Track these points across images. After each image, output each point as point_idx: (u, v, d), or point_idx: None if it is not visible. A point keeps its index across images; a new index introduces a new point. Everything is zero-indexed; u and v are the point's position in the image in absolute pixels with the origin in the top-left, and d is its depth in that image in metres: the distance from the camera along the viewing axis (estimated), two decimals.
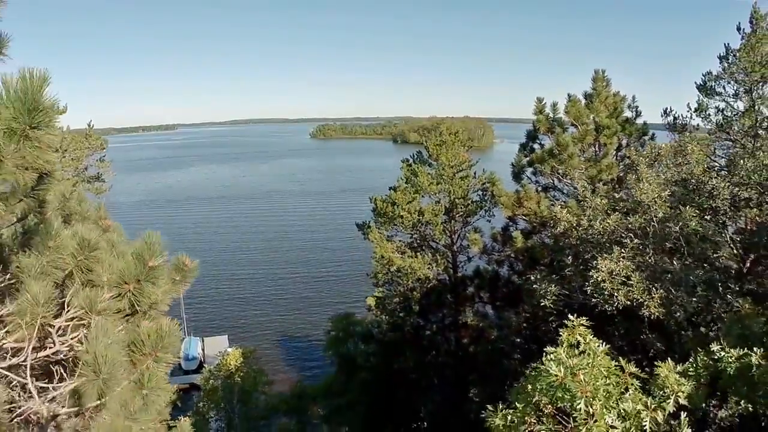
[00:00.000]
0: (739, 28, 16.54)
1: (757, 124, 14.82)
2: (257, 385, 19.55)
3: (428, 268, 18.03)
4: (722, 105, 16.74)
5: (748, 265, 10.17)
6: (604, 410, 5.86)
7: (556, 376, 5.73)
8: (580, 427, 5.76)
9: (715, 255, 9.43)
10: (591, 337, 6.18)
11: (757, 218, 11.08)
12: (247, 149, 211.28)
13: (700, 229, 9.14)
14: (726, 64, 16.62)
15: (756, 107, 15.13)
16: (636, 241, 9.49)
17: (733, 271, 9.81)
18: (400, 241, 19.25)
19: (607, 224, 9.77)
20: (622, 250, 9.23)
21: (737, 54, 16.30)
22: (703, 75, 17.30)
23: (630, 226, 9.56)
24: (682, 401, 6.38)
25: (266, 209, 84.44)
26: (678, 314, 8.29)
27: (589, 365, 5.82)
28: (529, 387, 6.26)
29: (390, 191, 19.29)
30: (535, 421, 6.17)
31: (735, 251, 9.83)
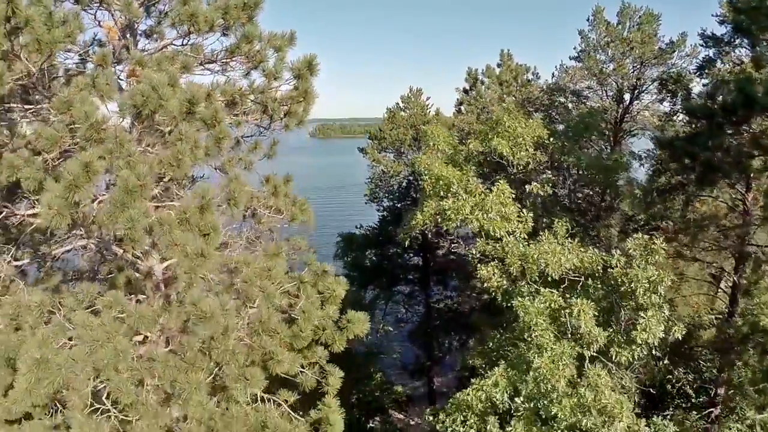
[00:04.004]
0: (588, 19, 28.49)
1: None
2: None
3: (402, 169, 29.94)
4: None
5: None
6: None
7: None
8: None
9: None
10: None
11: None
12: None
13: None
14: (584, 43, 28.68)
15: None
16: (484, 119, 21.71)
17: None
18: (385, 155, 31.17)
19: (473, 117, 22.13)
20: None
21: (586, 38, 28.34)
22: (574, 48, 29.30)
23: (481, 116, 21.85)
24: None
25: None
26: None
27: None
28: None
29: (380, 125, 31.29)
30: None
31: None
